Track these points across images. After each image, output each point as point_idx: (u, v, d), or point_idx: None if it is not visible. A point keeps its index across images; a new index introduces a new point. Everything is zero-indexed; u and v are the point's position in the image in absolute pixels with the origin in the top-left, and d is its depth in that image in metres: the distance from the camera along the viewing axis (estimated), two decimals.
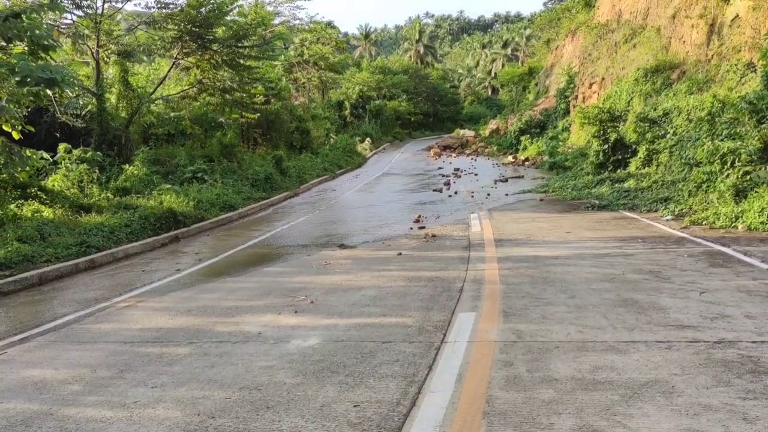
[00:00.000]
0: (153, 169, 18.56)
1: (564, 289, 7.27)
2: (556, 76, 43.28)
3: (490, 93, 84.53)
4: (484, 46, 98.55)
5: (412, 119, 62.19)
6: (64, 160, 16.16)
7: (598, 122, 20.87)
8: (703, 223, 11.66)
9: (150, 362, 5.49)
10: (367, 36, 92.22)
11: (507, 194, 19.28)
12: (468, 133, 48.74)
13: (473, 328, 5.94)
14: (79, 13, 18.98)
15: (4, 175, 13.60)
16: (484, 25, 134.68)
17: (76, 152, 16.50)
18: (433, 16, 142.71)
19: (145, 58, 23.91)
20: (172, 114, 23.29)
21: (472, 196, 19.06)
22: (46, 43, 12.15)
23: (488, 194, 19.39)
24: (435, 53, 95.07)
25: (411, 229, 13.24)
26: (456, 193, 20.39)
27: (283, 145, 29.37)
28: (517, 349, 5.23)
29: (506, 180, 23.85)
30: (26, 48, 12.10)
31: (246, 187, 20.51)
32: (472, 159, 35.74)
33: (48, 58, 12.57)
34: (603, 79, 29.26)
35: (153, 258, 11.55)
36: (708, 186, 13.17)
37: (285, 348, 5.68)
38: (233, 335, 6.19)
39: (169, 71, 22.75)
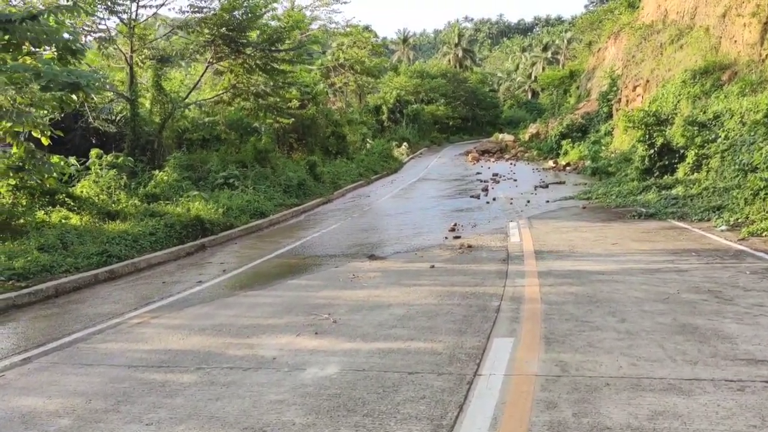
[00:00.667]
0: (184, 174, 18.19)
1: (612, 310, 6.55)
2: (598, 79, 42.23)
3: (530, 97, 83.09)
4: (524, 50, 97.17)
5: (450, 123, 61.41)
6: (94, 165, 15.93)
7: (643, 126, 19.96)
8: (763, 234, 10.76)
9: (151, 392, 4.97)
10: (405, 40, 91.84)
11: (548, 201, 18.47)
12: (507, 137, 47.80)
13: (511, 357, 5.28)
14: (114, 18, 18.92)
15: (32, 182, 13.37)
16: (524, 29, 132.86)
17: (107, 158, 16.27)
18: (472, 20, 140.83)
19: (182, 63, 23.74)
20: (206, 119, 23.09)
21: (511, 203, 18.31)
22: (74, 47, 11.90)
23: (528, 201, 18.61)
24: (474, 57, 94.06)
25: (446, 238, 12.59)
26: (494, 199, 19.66)
27: (318, 150, 28.97)
28: (561, 386, 4.55)
29: (547, 186, 23.01)
30: (55, 53, 11.87)
31: (278, 193, 20.04)
32: (511, 164, 34.88)
33: (77, 62, 12.31)
34: (648, 81, 28.14)
35: (176, 268, 11.12)
36: (766, 193, 12.26)
37: (299, 378, 5.10)
38: (246, 360, 5.64)
39: (202, 75, 22.55)
